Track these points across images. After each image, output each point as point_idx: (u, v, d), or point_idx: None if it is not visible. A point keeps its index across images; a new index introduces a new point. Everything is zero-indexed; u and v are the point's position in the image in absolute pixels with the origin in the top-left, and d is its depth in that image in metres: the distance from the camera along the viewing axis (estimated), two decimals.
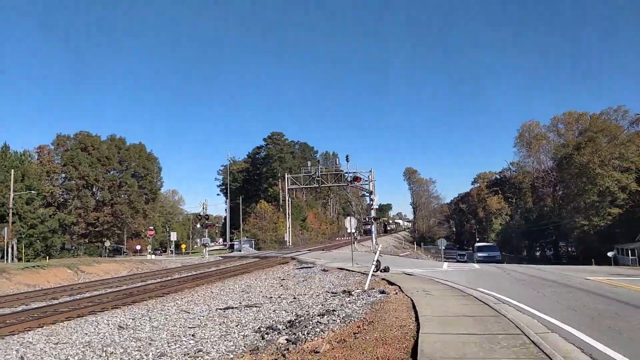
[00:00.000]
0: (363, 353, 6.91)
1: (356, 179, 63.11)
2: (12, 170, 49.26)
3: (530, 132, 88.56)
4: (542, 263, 62.68)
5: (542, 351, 6.25)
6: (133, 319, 13.47)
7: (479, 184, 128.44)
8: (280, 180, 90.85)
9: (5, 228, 42.78)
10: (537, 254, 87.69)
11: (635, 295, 13.06)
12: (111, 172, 72.70)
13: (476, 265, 34.61)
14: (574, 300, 12.17)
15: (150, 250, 67.60)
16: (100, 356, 9.42)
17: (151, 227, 66.75)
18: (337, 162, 72.68)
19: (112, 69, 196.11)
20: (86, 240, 69.47)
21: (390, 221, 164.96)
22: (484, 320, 8.82)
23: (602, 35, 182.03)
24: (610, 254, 43.78)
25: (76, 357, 9.28)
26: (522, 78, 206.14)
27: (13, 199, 47.96)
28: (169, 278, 27.08)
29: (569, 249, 78.64)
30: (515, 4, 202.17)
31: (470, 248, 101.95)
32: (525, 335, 7.35)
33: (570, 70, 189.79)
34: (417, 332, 7.84)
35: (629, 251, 48.54)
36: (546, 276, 20.37)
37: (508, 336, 7.29)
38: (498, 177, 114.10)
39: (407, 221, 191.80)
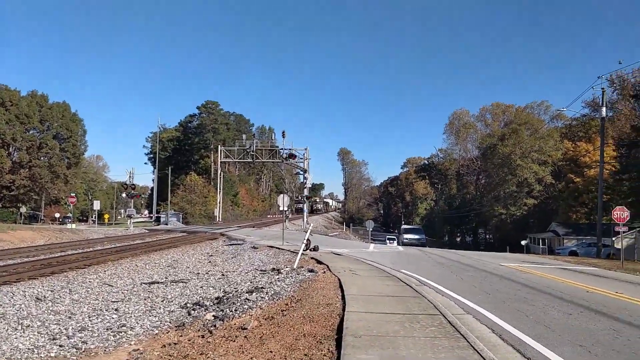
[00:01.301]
0: (290, 330, 7.08)
1: (292, 156, 63.24)
2: None
3: (460, 120, 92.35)
4: (462, 248, 66.14)
5: (458, 331, 6.70)
6: (52, 291, 12.91)
7: (407, 169, 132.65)
8: (212, 152, 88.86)
9: None
10: (458, 239, 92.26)
11: (541, 281, 14.19)
12: (30, 132, 67.61)
13: (400, 248, 35.99)
14: (488, 285, 13.05)
15: (69, 218, 64.38)
16: (16, 329, 8.99)
17: (73, 194, 63.39)
18: (273, 138, 72.39)
19: (36, 20, 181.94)
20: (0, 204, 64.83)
21: (318, 200, 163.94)
22: (405, 300, 9.28)
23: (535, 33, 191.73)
24: (523, 242, 46.96)
25: None
26: (455, 66, 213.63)
27: None
28: (91, 249, 26.01)
29: (487, 236, 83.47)
30: None
31: (396, 230, 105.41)
32: (443, 315, 7.83)
33: (502, 63, 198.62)
34: (343, 310, 8.11)
35: (540, 240, 52.32)
36: (465, 261, 21.60)
37: (427, 316, 7.73)
38: (426, 162, 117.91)
39: (338, 201, 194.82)
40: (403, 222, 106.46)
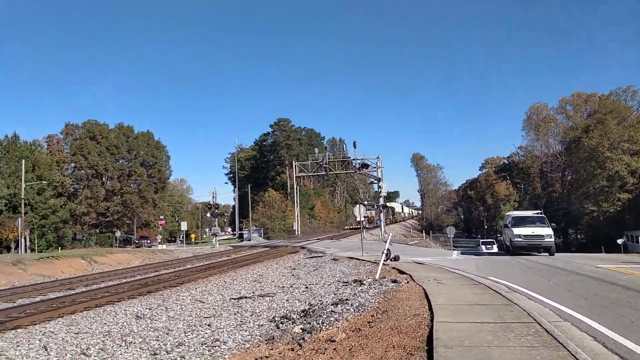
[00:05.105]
0: (378, 342, 7.06)
1: (364, 165, 63.26)
2: (23, 161, 49.62)
3: (539, 114, 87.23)
4: None
5: (556, 339, 6.36)
6: (149, 309, 13.75)
7: (486, 170, 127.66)
8: (287, 167, 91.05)
9: (19, 219, 43.26)
10: None
11: None
12: (120, 161, 73.13)
13: (485, 253, 34.65)
14: (584, 289, 12.25)
15: (159, 240, 68.23)
16: (120, 345, 9.68)
17: (162, 217, 67.32)
18: (345, 149, 72.89)
19: (118, 56, 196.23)
20: (97, 230, 70.17)
21: (373, 207, 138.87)
22: (496, 308, 8.94)
23: (609, 14, 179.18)
24: (620, 241, 43.57)
25: (97, 347, 9.54)
26: (530, 59, 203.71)
27: (24, 190, 48.42)
28: (182, 268, 27.44)
29: (579, 236, 78.26)
30: None
31: (479, 236, 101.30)
32: (538, 323, 7.46)
33: (580, 49, 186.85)
34: (432, 320, 7.95)
35: (639, 238, 48.31)
36: (556, 264, 20.43)
37: (521, 324, 7.40)
38: (506, 162, 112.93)
39: (415, 208, 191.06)
40: (485, 227, 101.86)
